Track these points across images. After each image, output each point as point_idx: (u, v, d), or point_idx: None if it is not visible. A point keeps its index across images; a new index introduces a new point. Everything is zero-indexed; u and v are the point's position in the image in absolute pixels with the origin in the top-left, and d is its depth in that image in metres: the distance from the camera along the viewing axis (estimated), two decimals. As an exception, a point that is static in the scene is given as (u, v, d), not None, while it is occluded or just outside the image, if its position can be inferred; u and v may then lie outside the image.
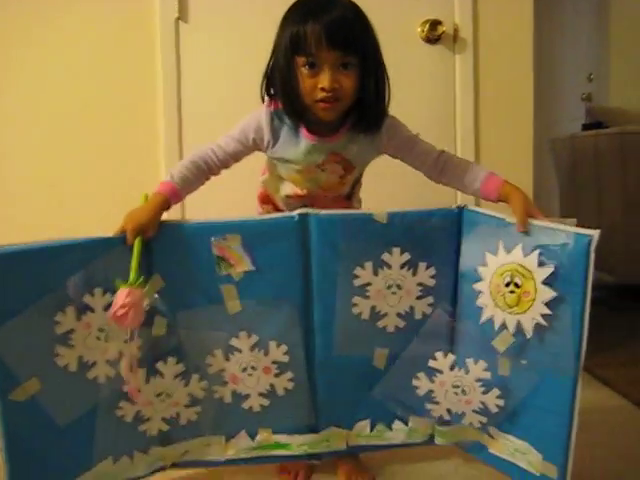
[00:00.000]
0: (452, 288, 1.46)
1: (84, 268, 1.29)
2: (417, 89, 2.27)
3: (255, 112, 1.49)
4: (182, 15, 2.17)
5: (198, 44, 2.20)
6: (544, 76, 4.13)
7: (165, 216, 1.40)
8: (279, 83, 1.42)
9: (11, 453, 1.27)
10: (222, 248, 1.37)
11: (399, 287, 1.43)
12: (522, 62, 2.31)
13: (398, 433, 1.53)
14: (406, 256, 1.42)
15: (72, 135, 2.17)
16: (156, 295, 1.36)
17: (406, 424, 1.53)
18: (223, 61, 2.22)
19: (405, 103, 2.12)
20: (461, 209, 1.44)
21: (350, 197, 1.63)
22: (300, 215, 1.39)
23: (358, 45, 1.37)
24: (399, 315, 1.45)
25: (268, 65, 1.46)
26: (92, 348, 1.32)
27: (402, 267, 1.42)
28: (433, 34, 2.27)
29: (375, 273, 1.42)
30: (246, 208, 1.68)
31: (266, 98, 1.49)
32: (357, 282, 1.42)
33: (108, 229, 1.35)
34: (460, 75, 2.29)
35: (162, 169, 2.18)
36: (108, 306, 1.31)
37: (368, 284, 1.43)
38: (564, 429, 1.33)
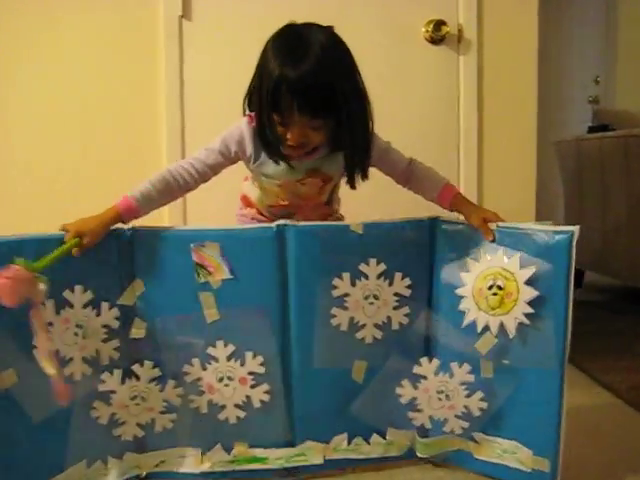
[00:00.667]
0: (429, 296, 1.49)
1: (67, 262, 1.33)
2: (421, 90, 2.28)
3: (236, 125, 1.54)
4: (186, 13, 2.18)
5: (202, 42, 2.21)
6: (551, 78, 4.12)
7: (156, 221, 1.48)
8: (257, 124, 1.47)
9: (-18, 448, 1.30)
10: (201, 255, 1.41)
11: (376, 297, 1.46)
12: (526, 63, 2.31)
13: (376, 447, 1.52)
14: (382, 266, 1.45)
15: (74, 133, 2.20)
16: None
17: (384, 437, 1.52)
18: (226, 59, 2.22)
19: (408, 103, 2.23)
20: (433, 220, 1.49)
21: (329, 202, 1.69)
22: (278, 226, 1.43)
23: (327, 106, 1.39)
24: (376, 326, 1.47)
25: (250, 86, 1.51)
26: (69, 344, 1.36)
27: (379, 277, 1.45)
28: (437, 34, 2.26)
29: (353, 284, 1.45)
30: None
31: (247, 112, 1.54)
32: (335, 293, 1.44)
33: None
34: (464, 76, 2.28)
35: (164, 165, 2.08)
36: (88, 303, 1.37)
37: (346, 295, 1.45)
38: (553, 422, 1.38)
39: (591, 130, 3.75)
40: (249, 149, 1.53)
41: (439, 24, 2.25)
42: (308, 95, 1.37)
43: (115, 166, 2.20)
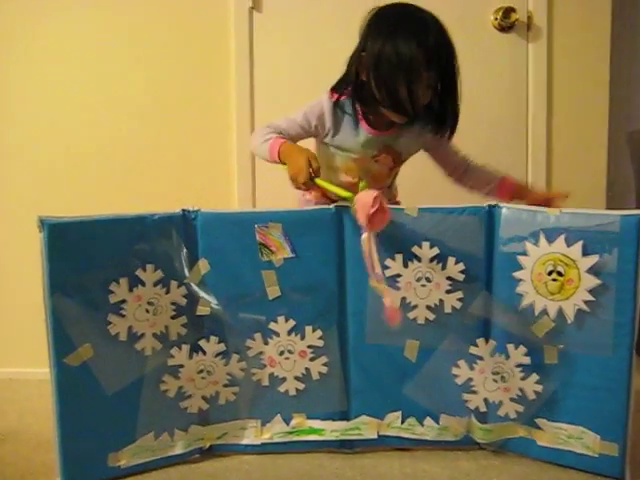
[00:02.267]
0: (486, 279, 1.51)
1: (140, 242, 1.44)
2: (490, 78, 2.24)
3: (317, 101, 1.66)
4: (256, 4, 2.19)
5: (272, 34, 2.22)
6: (624, 66, 4.01)
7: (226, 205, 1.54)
8: (383, 88, 1.54)
9: (62, 418, 1.39)
10: (264, 235, 1.49)
11: (428, 280, 1.51)
12: (598, 51, 2.24)
13: (429, 430, 1.57)
14: (435, 250, 1.50)
15: (146, 124, 2.23)
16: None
17: (437, 422, 1.57)
18: (296, 51, 2.23)
19: (477, 92, 2.19)
20: (492, 206, 1.51)
21: (390, 186, 1.79)
22: (337, 207, 1.51)
23: (445, 69, 1.55)
24: (429, 308, 1.52)
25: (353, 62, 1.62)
26: (141, 320, 1.44)
27: (431, 261, 1.50)
28: (506, 22, 2.21)
29: (405, 265, 1.51)
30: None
31: (328, 91, 1.66)
32: (388, 273, 1.50)
33: (172, 208, 1.51)
34: (533, 64, 2.23)
35: (234, 159, 2.22)
36: (158, 282, 1.45)
37: (398, 275, 1.51)
38: (620, 406, 1.41)
39: None
40: (328, 123, 1.64)
41: (508, 11, 2.20)
42: (437, 52, 1.52)
43: (186, 156, 2.24)
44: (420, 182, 1.89)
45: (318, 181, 1.49)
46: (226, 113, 2.22)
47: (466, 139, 2.07)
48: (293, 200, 1.83)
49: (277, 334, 1.53)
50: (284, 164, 1.54)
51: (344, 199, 1.48)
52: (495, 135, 2.19)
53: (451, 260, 1.50)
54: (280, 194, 1.87)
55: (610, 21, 2.23)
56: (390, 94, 1.54)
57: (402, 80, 1.52)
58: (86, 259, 1.39)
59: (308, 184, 1.49)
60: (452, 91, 1.59)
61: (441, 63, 1.54)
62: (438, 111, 1.62)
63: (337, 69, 2.08)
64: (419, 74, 1.52)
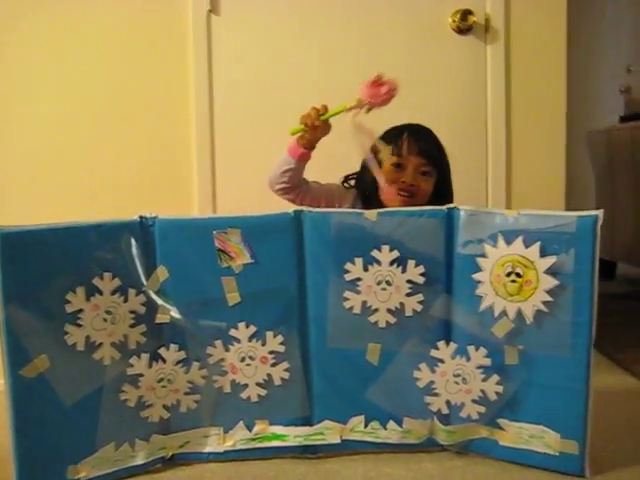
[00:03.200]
0: (445, 282, 1.52)
1: (97, 251, 1.42)
2: (448, 79, 2.26)
3: (340, 189, 1.91)
4: (214, 8, 2.18)
5: (230, 37, 2.21)
6: (581, 67, 4.00)
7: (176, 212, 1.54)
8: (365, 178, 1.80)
9: (19, 430, 1.37)
10: (223, 241, 1.48)
11: (388, 283, 1.51)
12: (555, 52, 2.26)
13: (392, 433, 1.56)
14: (395, 253, 1.49)
15: (104, 129, 2.20)
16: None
17: (400, 425, 1.56)
18: (255, 54, 2.22)
19: (436, 94, 2.22)
20: (451, 209, 1.52)
21: None
22: (295, 212, 1.51)
23: (435, 156, 1.79)
24: (389, 311, 1.52)
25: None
26: (99, 329, 1.42)
27: (391, 264, 1.50)
28: (464, 24, 2.22)
29: (365, 269, 1.50)
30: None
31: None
32: (348, 277, 1.51)
33: (133, 216, 1.50)
34: (491, 65, 2.25)
35: (194, 162, 2.21)
36: (115, 290, 1.44)
37: (358, 279, 1.51)
38: (579, 405, 1.43)
39: (623, 120, 3.73)
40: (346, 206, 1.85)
41: (466, 14, 2.21)
42: (425, 140, 1.79)
43: (144, 161, 2.21)
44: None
45: (327, 115, 1.64)
46: (185, 117, 2.20)
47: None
48: (254, 203, 1.82)
49: (238, 340, 1.52)
50: (304, 144, 1.71)
51: (351, 108, 1.61)
52: (454, 136, 2.18)
53: (411, 263, 1.50)
54: (241, 198, 1.87)
55: (566, 22, 2.25)
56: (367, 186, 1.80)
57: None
58: (41, 268, 1.36)
59: (319, 121, 1.65)
60: (445, 186, 1.82)
61: (432, 153, 1.77)
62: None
63: (294, 72, 2.09)
64: (406, 154, 1.75)
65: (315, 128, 1.66)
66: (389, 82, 1.59)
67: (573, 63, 2.36)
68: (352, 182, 1.90)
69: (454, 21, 2.22)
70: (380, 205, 1.72)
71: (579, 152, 3.76)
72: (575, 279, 1.40)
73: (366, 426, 1.57)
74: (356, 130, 1.59)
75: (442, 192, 1.79)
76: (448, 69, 2.24)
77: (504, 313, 1.45)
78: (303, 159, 1.73)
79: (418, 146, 1.76)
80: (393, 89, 1.60)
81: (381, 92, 1.58)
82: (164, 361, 1.49)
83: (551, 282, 1.40)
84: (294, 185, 1.78)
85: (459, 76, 2.24)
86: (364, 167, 1.80)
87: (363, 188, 1.84)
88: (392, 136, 1.78)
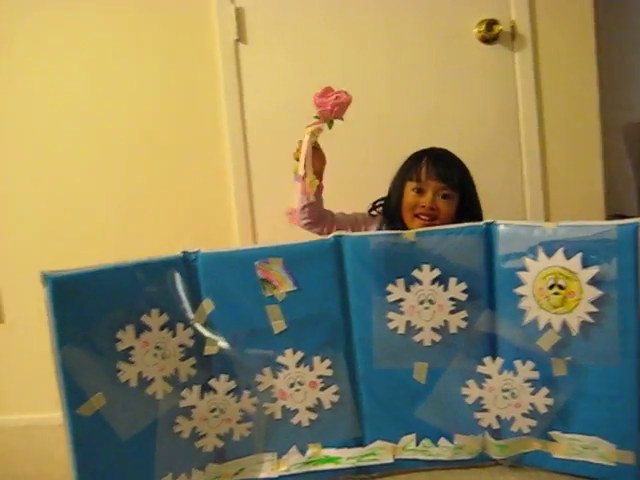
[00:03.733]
0: (488, 297, 1.53)
1: (143, 288, 1.45)
2: (477, 90, 2.24)
3: (366, 216, 1.94)
4: (241, 37, 2.20)
5: (258, 64, 2.23)
6: (615, 59, 3.90)
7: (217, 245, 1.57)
8: (392, 200, 1.87)
9: (80, 468, 1.38)
10: (265, 271, 1.51)
11: (431, 302, 1.52)
12: (584, 53, 2.24)
13: (444, 450, 1.57)
14: (436, 272, 1.51)
15: (140, 168, 2.24)
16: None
17: (452, 442, 1.57)
18: (284, 80, 2.24)
19: (467, 105, 2.22)
20: (489, 224, 1.52)
21: None
22: (335, 237, 1.53)
23: (455, 179, 1.80)
24: (434, 329, 1.53)
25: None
26: (150, 365, 1.45)
27: (433, 283, 1.52)
28: (490, 34, 2.21)
29: (407, 289, 1.52)
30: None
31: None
32: (390, 298, 1.52)
33: (175, 250, 1.53)
34: (520, 73, 2.23)
35: (230, 189, 2.23)
36: (164, 326, 1.46)
37: (401, 300, 1.53)
38: (632, 414, 1.41)
39: None
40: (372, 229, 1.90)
41: (491, 23, 2.20)
42: (445, 164, 1.81)
43: (179, 190, 2.25)
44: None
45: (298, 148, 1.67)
46: (219, 147, 2.23)
47: (459, 153, 2.08)
48: (292, 229, 1.85)
49: (286, 367, 1.54)
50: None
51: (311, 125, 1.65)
52: (488, 148, 2.19)
53: (452, 280, 1.52)
54: (280, 224, 1.89)
55: (593, 20, 2.22)
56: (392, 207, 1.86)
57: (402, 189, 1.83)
58: (91, 309, 1.39)
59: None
60: (469, 208, 1.82)
61: (450, 176, 1.79)
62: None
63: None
64: (424, 178, 1.79)
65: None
66: (338, 91, 1.61)
67: (607, 56, 2.32)
68: (379, 208, 1.94)
69: (479, 31, 2.21)
70: (404, 229, 1.74)
71: (619, 145, 3.68)
72: (619, 288, 1.38)
73: (418, 444, 1.58)
74: (309, 150, 1.62)
75: (467, 212, 1.79)
76: (477, 79, 2.23)
77: (549, 326, 1.45)
78: (315, 192, 1.74)
79: (436, 170, 1.79)
80: (341, 96, 1.61)
81: (328, 101, 1.60)
82: (215, 392, 1.52)
83: (595, 293, 1.39)
84: (316, 219, 1.82)
85: (488, 85, 2.23)
86: (391, 190, 1.88)
87: (389, 213, 1.89)
88: (412, 162, 1.84)
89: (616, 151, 3.50)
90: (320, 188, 1.77)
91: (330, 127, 1.63)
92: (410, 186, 1.82)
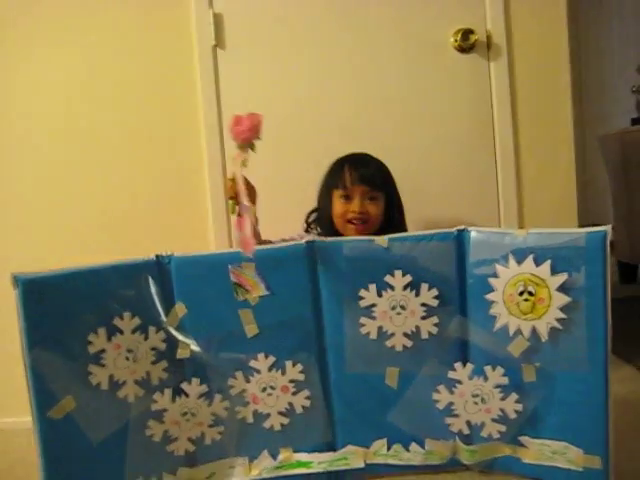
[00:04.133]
0: (460, 303, 1.54)
1: (116, 291, 1.45)
2: (453, 99, 2.26)
3: (304, 234, 1.96)
4: (219, 42, 2.20)
5: (236, 70, 2.23)
6: (592, 71, 3.89)
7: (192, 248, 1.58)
8: (320, 212, 1.94)
9: (48, 470, 1.39)
10: (238, 275, 1.51)
11: (403, 308, 1.53)
12: (558, 63, 2.25)
13: (415, 455, 1.58)
14: (408, 278, 1.52)
15: (116, 161, 2.23)
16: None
17: (423, 447, 1.58)
18: (261, 86, 2.24)
19: (442, 113, 2.24)
20: (461, 231, 1.53)
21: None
22: (307, 242, 1.53)
23: (380, 181, 1.86)
24: (405, 335, 1.54)
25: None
26: (122, 368, 1.45)
27: (405, 288, 1.52)
28: (466, 43, 2.22)
29: (379, 295, 1.53)
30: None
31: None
32: (363, 303, 1.53)
33: (151, 253, 1.53)
34: (495, 82, 2.24)
35: (206, 192, 2.22)
36: (136, 329, 1.47)
37: (373, 305, 1.53)
38: (600, 420, 1.42)
39: (634, 122, 3.69)
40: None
41: (467, 33, 2.21)
42: (366, 167, 1.86)
43: (156, 196, 2.24)
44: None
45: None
46: (197, 152, 2.22)
47: (435, 161, 2.12)
48: (270, 234, 1.86)
49: (258, 371, 1.54)
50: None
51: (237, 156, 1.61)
52: (463, 155, 2.21)
53: (424, 286, 1.53)
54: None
55: (567, 33, 2.25)
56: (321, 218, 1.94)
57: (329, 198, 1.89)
58: (62, 312, 1.39)
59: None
60: (394, 206, 1.90)
61: (375, 179, 1.85)
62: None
63: (302, 103, 2.11)
64: (350, 185, 1.84)
65: (237, 196, 1.60)
66: (248, 116, 1.61)
67: (583, 67, 2.33)
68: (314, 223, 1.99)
69: (456, 40, 2.22)
70: (339, 236, 1.81)
71: (594, 156, 3.72)
72: (588, 295, 1.40)
73: (389, 449, 1.58)
74: (239, 179, 1.59)
75: (392, 210, 1.89)
76: (452, 88, 2.24)
77: (519, 332, 1.46)
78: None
79: (359, 175, 1.84)
80: (253, 119, 1.61)
81: (243, 128, 1.60)
82: (187, 395, 1.52)
83: (564, 299, 1.40)
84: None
85: (464, 94, 2.25)
86: (319, 202, 1.95)
87: (322, 224, 1.94)
88: (334, 171, 1.90)
89: (592, 162, 3.54)
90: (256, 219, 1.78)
91: (254, 150, 1.62)
92: (337, 194, 1.87)
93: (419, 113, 2.21)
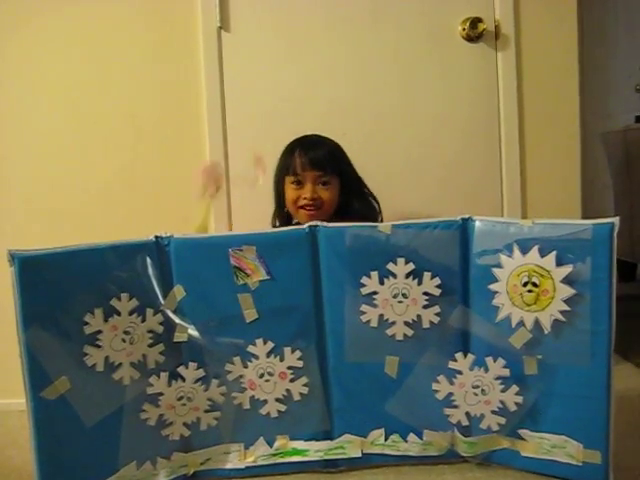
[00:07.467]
0: (462, 293, 1.51)
1: (114, 271, 1.43)
2: (460, 88, 2.23)
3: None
4: (224, 24, 2.18)
5: (241, 53, 2.20)
6: (597, 67, 3.88)
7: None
8: (276, 201, 1.93)
9: (41, 452, 1.37)
10: (239, 258, 1.49)
11: (405, 296, 1.51)
12: (567, 55, 2.23)
13: (413, 446, 1.56)
14: (411, 266, 1.49)
15: (118, 149, 2.21)
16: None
17: (420, 438, 1.56)
18: (266, 68, 2.21)
19: (448, 103, 2.22)
20: (465, 219, 1.51)
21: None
22: (310, 227, 1.51)
23: (331, 163, 1.81)
24: (407, 324, 1.52)
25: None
26: (118, 350, 1.43)
27: (407, 277, 1.50)
28: (474, 32, 2.19)
29: (381, 282, 1.51)
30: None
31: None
32: (364, 290, 1.51)
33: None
34: (503, 72, 2.22)
35: None
36: (133, 311, 1.45)
37: (375, 293, 1.51)
38: (601, 415, 1.40)
39: (638, 119, 3.68)
40: None
41: (475, 22, 2.17)
42: (317, 150, 1.81)
43: (157, 177, 2.21)
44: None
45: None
46: (199, 135, 2.20)
47: (439, 150, 2.09)
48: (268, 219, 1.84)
49: (256, 357, 1.52)
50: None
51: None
52: (468, 145, 2.19)
53: (427, 275, 1.50)
54: (256, 214, 1.88)
55: (577, 25, 2.23)
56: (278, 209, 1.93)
57: (282, 186, 1.87)
58: (59, 291, 1.37)
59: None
60: (350, 190, 1.86)
61: (325, 163, 1.81)
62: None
63: (305, 85, 2.08)
64: (300, 170, 1.80)
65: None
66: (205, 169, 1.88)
67: (587, 63, 2.32)
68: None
69: (464, 29, 2.20)
70: (296, 224, 1.80)
71: (597, 152, 3.70)
72: (592, 287, 1.38)
73: (386, 439, 1.57)
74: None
75: (350, 193, 1.86)
76: (459, 77, 2.22)
77: (521, 323, 1.44)
78: None
79: (310, 160, 1.80)
80: (210, 173, 1.85)
81: (209, 179, 1.84)
82: (183, 379, 1.50)
83: (568, 291, 1.39)
84: None
85: (470, 84, 2.22)
86: (274, 189, 1.93)
87: (279, 212, 1.93)
88: (286, 156, 1.87)
89: (595, 157, 3.53)
90: None
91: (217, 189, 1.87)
92: (289, 180, 1.84)
93: (424, 101, 2.19)
